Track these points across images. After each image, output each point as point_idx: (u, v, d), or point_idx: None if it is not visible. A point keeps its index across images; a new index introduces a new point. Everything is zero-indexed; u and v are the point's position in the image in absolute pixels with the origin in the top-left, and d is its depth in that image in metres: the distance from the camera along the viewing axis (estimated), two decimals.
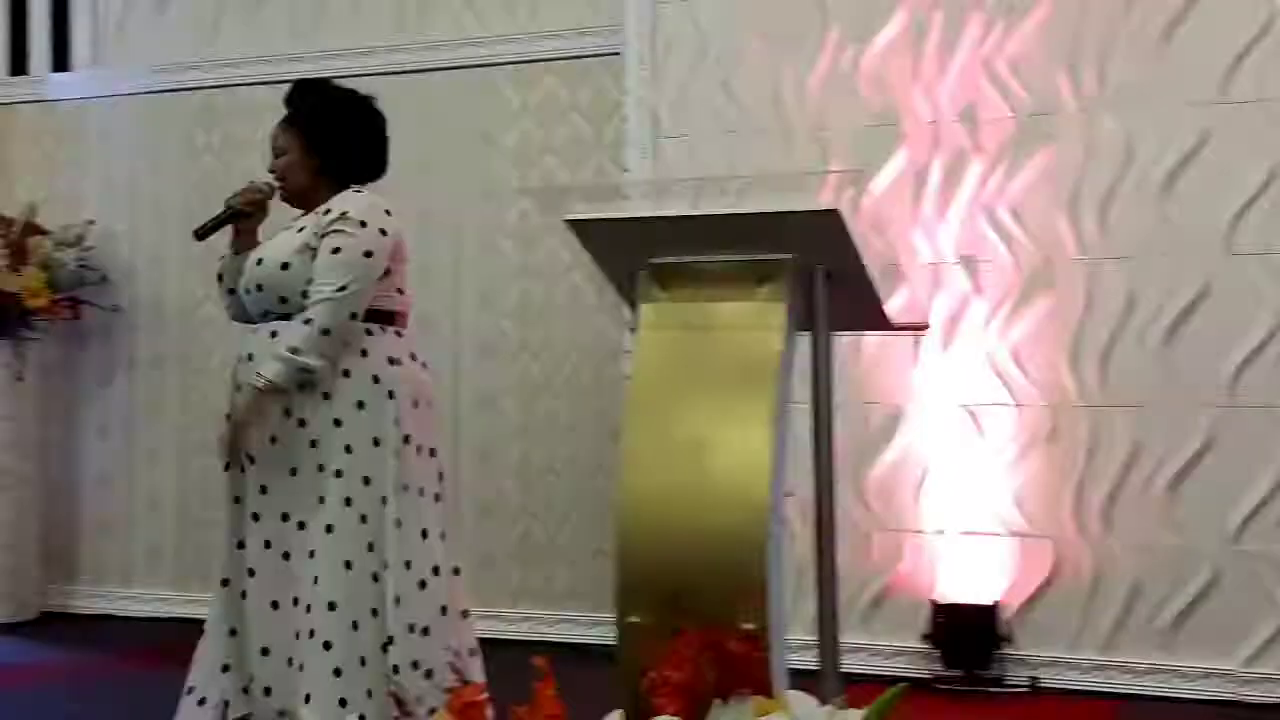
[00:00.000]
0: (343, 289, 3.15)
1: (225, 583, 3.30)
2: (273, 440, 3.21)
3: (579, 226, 2.75)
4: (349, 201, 3.30)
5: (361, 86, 3.47)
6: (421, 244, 5.35)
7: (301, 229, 3.30)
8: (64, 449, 5.89)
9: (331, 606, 3.13)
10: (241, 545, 3.29)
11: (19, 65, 6.12)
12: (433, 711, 2.91)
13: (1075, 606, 4.43)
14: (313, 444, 3.19)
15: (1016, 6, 4.58)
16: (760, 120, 4.86)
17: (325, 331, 3.14)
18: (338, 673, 3.11)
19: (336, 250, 3.19)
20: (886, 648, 4.57)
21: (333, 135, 3.37)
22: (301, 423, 3.20)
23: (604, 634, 4.35)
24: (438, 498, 3.32)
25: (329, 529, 3.17)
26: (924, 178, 4.66)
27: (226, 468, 3.26)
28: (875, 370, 4.69)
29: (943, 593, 4.54)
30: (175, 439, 5.72)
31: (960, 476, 4.59)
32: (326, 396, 3.19)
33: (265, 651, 3.20)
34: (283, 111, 3.41)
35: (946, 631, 4.47)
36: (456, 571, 3.38)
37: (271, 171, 3.40)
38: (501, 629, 5.03)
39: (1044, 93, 4.55)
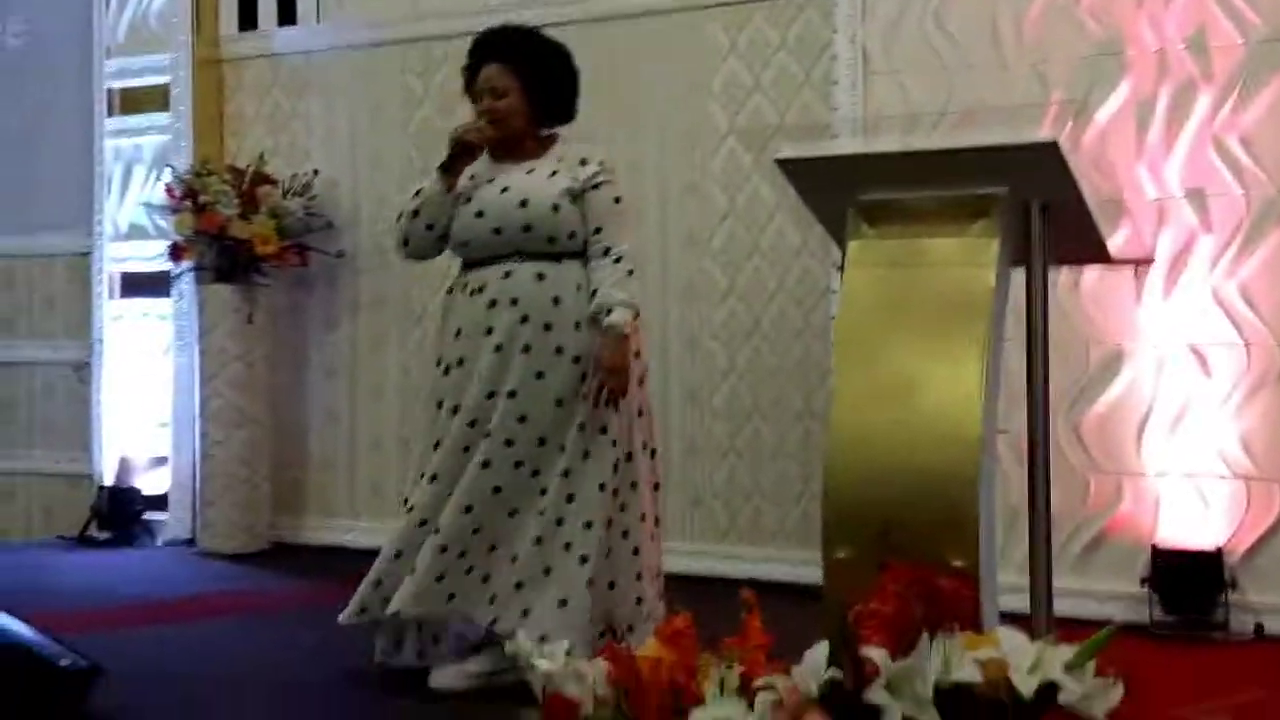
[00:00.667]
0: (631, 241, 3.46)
1: (420, 519, 3.48)
2: (539, 375, 3.38)
3: (788, 165, 2.75)
4: (585, 149, 3.52)
5: (574, 32, 3.55)
6: (630, 188, 5.39)
7: (553, 173, 3.45)
8: (292, 389, 6.16)
9: (588, 525, 3.35)
10: (434, 479, 3.46)
11: (248, 20, 6.36)
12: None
13: None
14: (583, 378, 3.40)
15: None
16: (975, 54, 4.74)
17: (632, 273, 3.40)
18: (591, 583, 3.33)
19: (618, 200, 3.46)
20: (1102, 592, 4.44)
21: (551, 84, 3.51)
22: (576, 359, 3.40)
23: (811, 573, 4.37)
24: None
25: (586, 454, 3.39)
26: (1149, 109, 4.48)
27: (608, 405, 3.39)
28: (1096, 308, 4.55)
29: (1163, 537, 4.40)
30: (396, 379, 5.91)
31: (1184, 417, 4.43)
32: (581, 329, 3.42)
33: (493, 548, 3.40)
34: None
35: (1166, 576, 4.33)
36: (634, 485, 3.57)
37: (486, 112, 3.48)
38: (710, 566, 5.08)
39: (1277, 18, 4.31)
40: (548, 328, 3.39)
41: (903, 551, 2.43)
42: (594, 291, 3.38)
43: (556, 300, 3.40)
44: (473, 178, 3.54)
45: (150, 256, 6.29)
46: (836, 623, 2.43)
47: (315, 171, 6.02)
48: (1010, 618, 2.61)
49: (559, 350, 3.39)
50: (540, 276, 3.39)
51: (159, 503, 6.25)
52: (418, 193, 3.58)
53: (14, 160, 6.53)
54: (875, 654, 2.26)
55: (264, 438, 5.99)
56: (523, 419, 3.38)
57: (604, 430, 3.38)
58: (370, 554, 3.65)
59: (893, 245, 2.66)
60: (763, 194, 5.16)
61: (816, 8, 5.09)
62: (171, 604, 4.92)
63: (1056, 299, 4.55)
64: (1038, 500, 2.59)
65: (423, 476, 3.49)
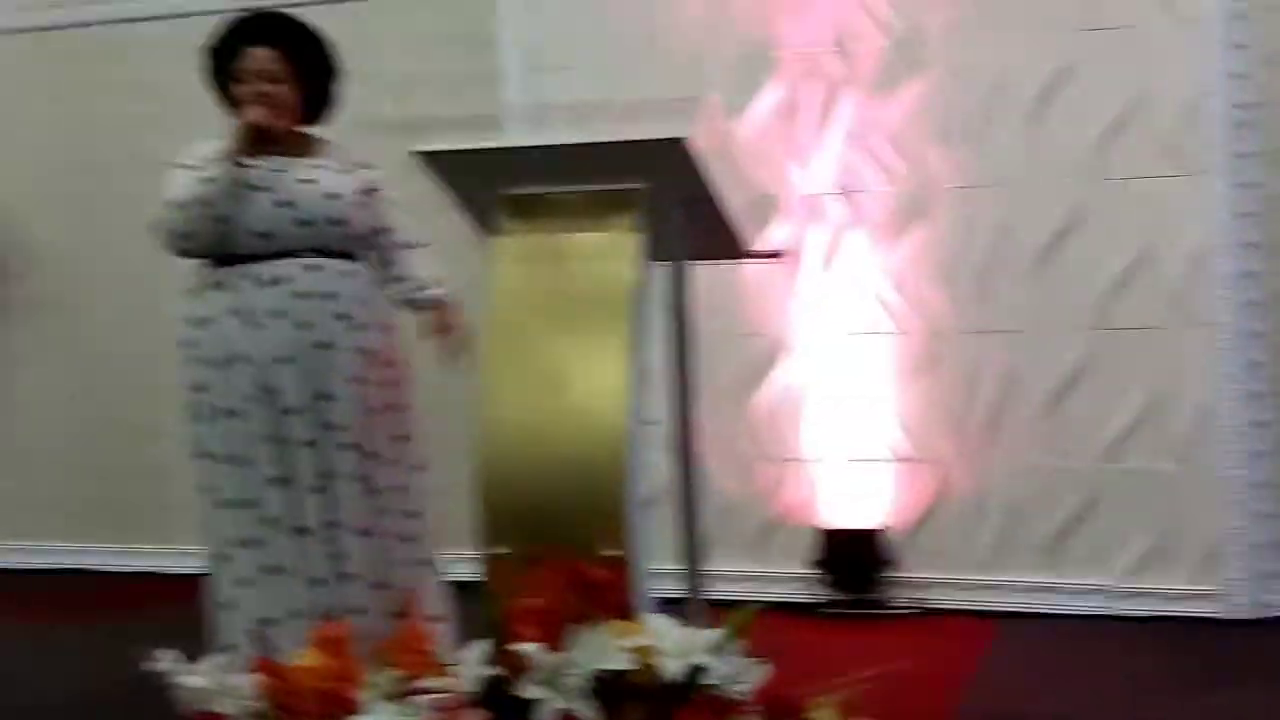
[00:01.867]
0: None
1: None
2: (360, 380, 3.30)
3: (429, 159, 2.72)
4: (353, 153, 3.42)
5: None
6: None
7: (340, 171, 3.34)
8: None
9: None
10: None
11: None
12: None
13: (958, 528, 4.50)
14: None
15: None
16: (635, 52, 4.80)
17: None
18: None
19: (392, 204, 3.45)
20: (776, 575, 4.60)
21: (324, 78, 3.40)
22: (386, 363, 3.37)
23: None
24: None
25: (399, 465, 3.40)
26: (798, 108, 4.65)
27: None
28: (757, 302, 4.70)
29: (829, 519, 4.59)
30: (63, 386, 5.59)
31: (844, 404, 4.62)
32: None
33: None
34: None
35: (834, 557, 4.52)
36: None
37: (262, 96, 3.26)
38: None
39: (913, 19, 4.54)
40: (362, 328, 3.29)
41: (559, 545, 2.44)
42: (409, 280, 3.43)
43: (363, 300, 3.32)
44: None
45: None
46: (496, 620, 2.43)
47: None
48: (676, 604, 2.66)
49: (362, 351, 3.29)
50: (343, 274, 3.30)
51: None
52: (206, 180, 3.20)
53: None
54: (529, 648, 2.27)
55: None
56: (344, 427, 3.26)
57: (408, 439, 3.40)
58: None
59: (539, 240, 2.66)
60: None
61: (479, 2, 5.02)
62: None
63: (718, 293, 4.68)
64: (686, 487, 2.63)
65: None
